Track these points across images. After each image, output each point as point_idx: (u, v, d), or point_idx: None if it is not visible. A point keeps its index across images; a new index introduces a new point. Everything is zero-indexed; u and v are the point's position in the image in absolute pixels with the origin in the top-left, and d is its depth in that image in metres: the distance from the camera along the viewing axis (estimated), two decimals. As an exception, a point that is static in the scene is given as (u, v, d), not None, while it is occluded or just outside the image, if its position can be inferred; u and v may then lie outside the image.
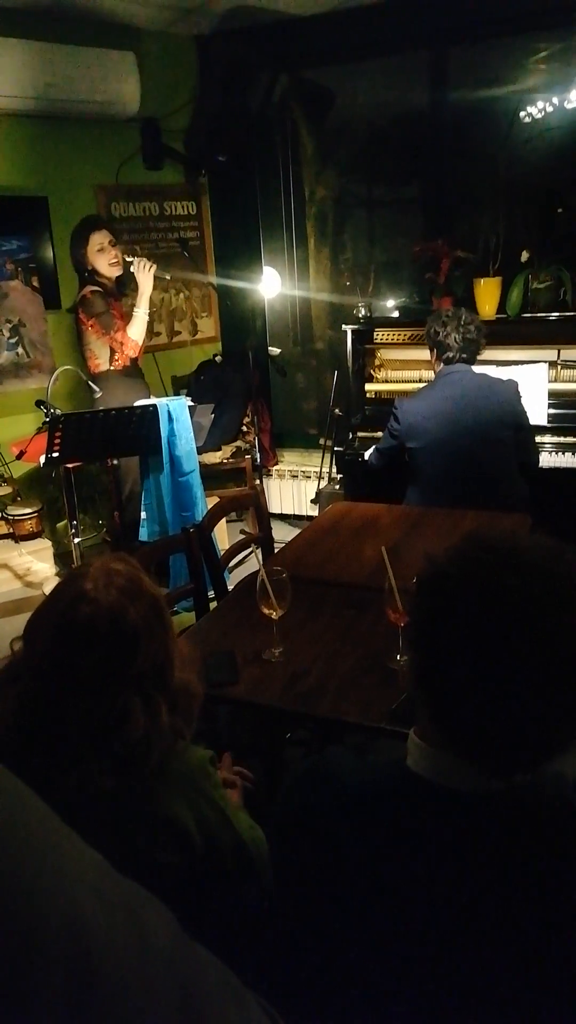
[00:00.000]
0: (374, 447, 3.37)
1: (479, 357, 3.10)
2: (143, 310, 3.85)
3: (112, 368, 3.87)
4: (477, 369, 3.08)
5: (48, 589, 3.89)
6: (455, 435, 2.92)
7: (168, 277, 4.10)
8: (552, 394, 3.68)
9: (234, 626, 2.14)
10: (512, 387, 2.99)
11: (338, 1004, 0.99)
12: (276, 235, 5.14)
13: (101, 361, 3.87)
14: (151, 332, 4.81)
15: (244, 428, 4.76)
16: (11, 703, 1.17)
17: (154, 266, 3.86)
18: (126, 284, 3.99)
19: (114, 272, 3.89)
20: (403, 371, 4.16)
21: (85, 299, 3.82)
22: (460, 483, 2.93)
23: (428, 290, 4.21)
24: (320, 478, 4.67)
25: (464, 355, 3.01)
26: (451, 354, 3.02)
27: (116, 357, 3.85)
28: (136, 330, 3.86)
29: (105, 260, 3.84)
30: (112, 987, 0.48)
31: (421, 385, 4.06)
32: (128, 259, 3.90)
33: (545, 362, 3.66)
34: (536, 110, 4.19)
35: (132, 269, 3.85)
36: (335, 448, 4.17)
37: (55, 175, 4.30)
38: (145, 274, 3.83)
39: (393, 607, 1.81)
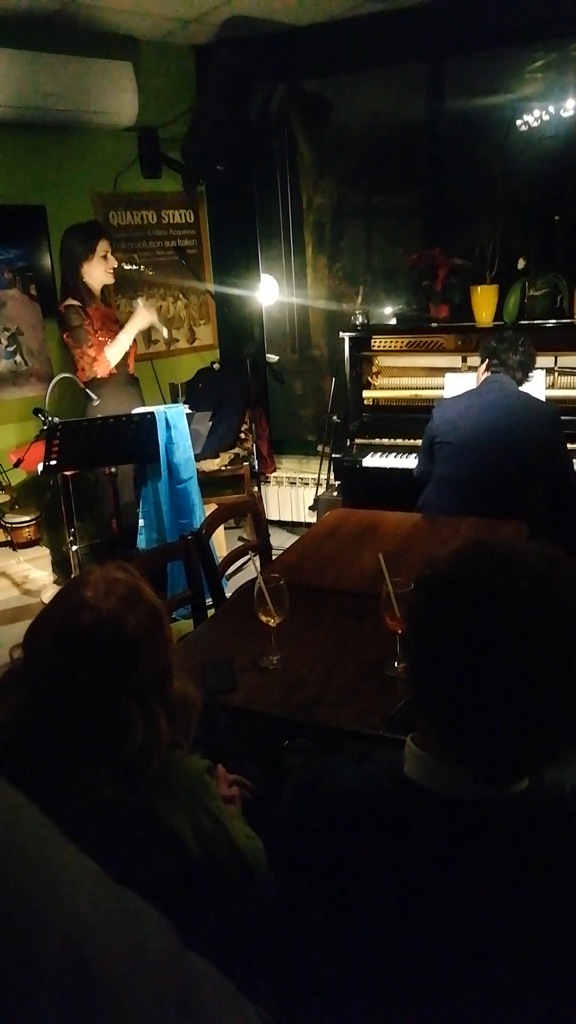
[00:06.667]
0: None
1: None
2: (128, 336, 3.80)
3: (99, 376, 3.79)
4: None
5: (46, 597, 3.89)
6: (483, 440, 2.93)
7: (140, 267, 4.11)
8: (550, 400, 3.68)
9: (232, 633, 2.14)
10: (550, 411, 3.03)
11: (337, 1012, 0.98)
12: (274, 243, 5.16)
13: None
14: (149, 340, 4.82)
15: (242, 435, 4.77)
16: (10, 711, 1.17)
17: (155, 312, 3.90)
18: (110, 295, 3.97)
19: (108, 280, 3.86)
20: (401, 378, 4.17)
21: (60, 314, 3.79)
22: (479, 489, 2.92)
23: (425, 298, 4.23)
24: (318, 485, 4.68)
25: (515, 372, 3.06)
26: (498, 365, 3.07)
27: (81, 367, 3.76)
28: (114, 352, 3.78)
29: (105, 267, 3.81)
30: (111, 995, 0.49)
31: (419, 392, 4.10)
32: (128, 266, 3.89)
33: (542, 369, 3.68)
34: (532, 119, 4.21)
35: (137, 302, 3.84)
36: (333, 455, 4.18)
37: (53, 184, 4.31)
38: (147, 311, 3.81)
39: (391, 614, 1.81)
